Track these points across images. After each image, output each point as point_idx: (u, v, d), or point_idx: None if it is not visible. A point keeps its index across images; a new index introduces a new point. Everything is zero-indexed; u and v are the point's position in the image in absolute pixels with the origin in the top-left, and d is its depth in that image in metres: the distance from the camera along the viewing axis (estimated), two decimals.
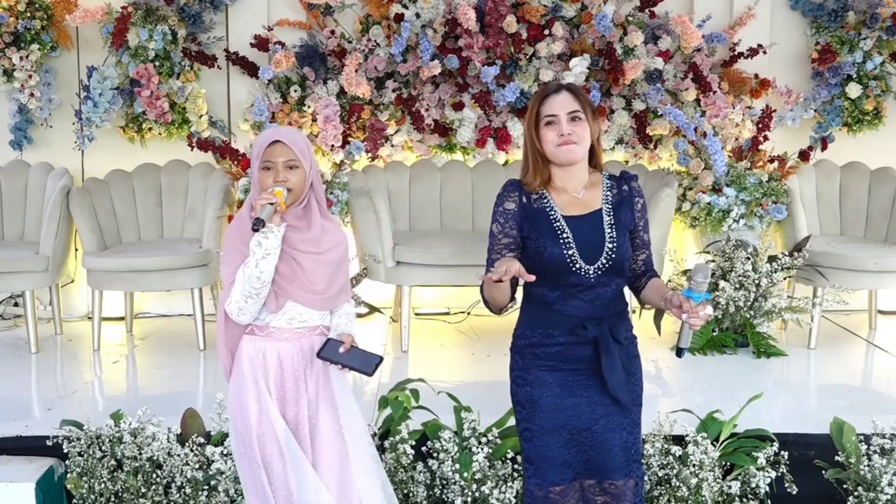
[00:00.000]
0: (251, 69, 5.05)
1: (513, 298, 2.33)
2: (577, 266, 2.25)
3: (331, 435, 2.38)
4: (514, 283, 2.33)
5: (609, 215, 2.31)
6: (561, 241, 2.26)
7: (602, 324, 2.28)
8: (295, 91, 4.98)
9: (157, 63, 4.91)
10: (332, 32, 5.06)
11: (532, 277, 2.13)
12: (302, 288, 2.35)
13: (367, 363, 2.36)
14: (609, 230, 2.28)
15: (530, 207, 2.32)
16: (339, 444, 2.39)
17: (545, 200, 2.32)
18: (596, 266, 2.26)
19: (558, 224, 2.28)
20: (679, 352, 2.24)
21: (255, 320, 2.38)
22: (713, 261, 4.54)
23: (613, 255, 2.26)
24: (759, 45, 4.98)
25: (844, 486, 3.11)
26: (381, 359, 2.38)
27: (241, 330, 2.41)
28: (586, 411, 2.29)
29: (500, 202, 2.35)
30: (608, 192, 2.34)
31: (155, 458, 3.10)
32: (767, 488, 3.05)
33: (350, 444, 2.39)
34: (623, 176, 2.39)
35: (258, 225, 2.18)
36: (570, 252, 2.25)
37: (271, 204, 2.22)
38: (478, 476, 3.01)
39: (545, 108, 2.29)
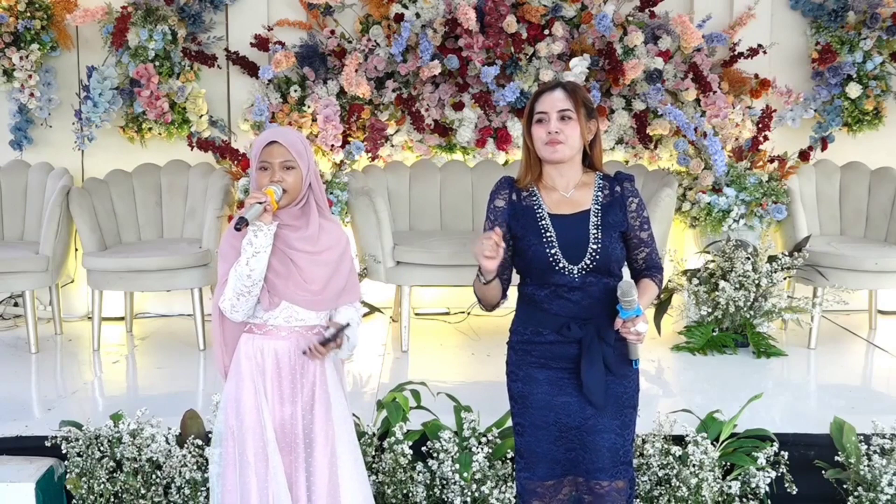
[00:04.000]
0: (251, 69, 5.05)
1: (504, 296, 2.35)
2: (561, 265, 2.26)
3: (324, 437, 2.38)
4: (505, 280, 2.35)
5: (597, 216, 2.30)
6: (544, 239, 2.27)
7: (588, 324, 2.27)
8: (295, 91, 4.98)
9: (157, 63, 4.91)
10: (332, 32, 5.05)
11: (499, 232, 2.13)
12: (297, 287, 2.34)
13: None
14: (594, 230, 2.28)
15: (519, 205, 2.33)
16: (331, 447, 2.38)
17: (534, 198, 2.33)
18: (580, 266, 2.26)
19: (543, 222, 2.29)
20: (629, 363, 2.29)
21: (253, 318, 2.38)
22: (711, 264, 4.54)
23: (598, 256, 2.26)
24: (759, 45, 4.98)
25: (844, 486, 3.11)
26: (345, 325, 2.35)
27: (240, 329, 2.41)
28: (576, 410, 2.30)
29: (492, 199, 2.36)
30: (599, 193, 2.33)
31: (154, 458, 3.10)
32: (767, 488, 3.05)
33: (339, 448, 2.39)
34: (617, 177, 2.38)
35: (240, 224, 2.17)
36: (553, 251, 2.26)
37: (260, 203, 2.21)
38: (478, 476, 3.01)
39: (538, 105, 2.31)
